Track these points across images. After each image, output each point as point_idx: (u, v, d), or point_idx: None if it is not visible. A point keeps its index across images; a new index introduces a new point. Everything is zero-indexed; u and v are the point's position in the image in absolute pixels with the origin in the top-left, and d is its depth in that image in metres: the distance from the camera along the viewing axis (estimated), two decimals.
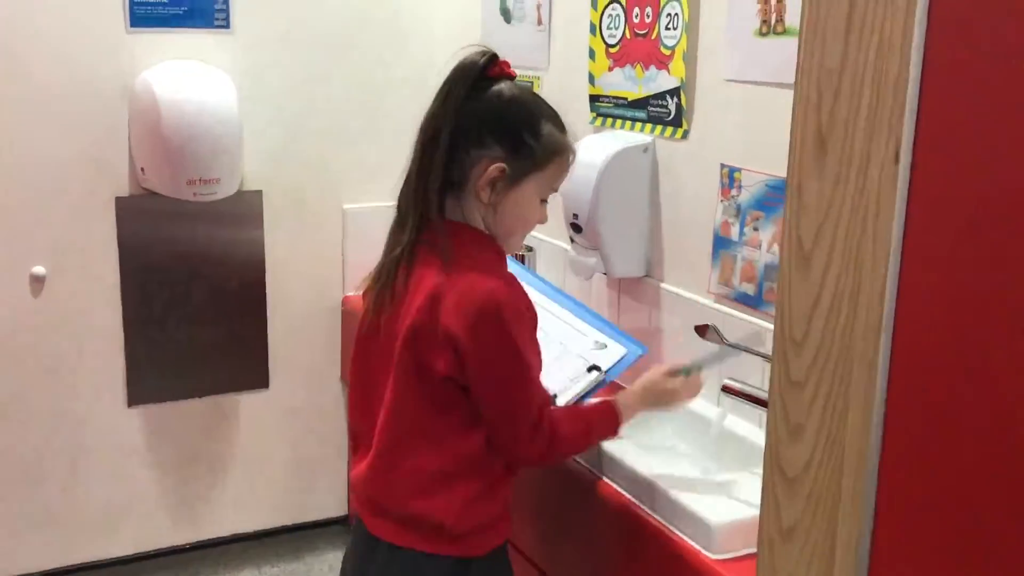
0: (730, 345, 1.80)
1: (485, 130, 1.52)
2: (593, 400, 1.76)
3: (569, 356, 1.89)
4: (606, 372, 1.85)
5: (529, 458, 1.57)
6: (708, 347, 1.83)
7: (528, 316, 1.52)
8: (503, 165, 1.52)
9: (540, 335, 1.57)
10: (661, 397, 1.72)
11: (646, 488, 1.68)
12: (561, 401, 1.80)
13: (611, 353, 1.89)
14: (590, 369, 1.85)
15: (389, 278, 1.56)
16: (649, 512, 1.66)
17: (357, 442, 1.66)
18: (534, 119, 1.55)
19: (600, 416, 1.65)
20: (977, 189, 0.75)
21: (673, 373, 1.73)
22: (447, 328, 1.46)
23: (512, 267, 1.63)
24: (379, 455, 1.55)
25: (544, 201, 1.60)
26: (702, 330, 1.87)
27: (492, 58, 1.55)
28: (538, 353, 1.55)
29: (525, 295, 1.54)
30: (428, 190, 1.52)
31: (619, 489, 1.75)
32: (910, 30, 0.81)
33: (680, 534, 1.59)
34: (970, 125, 0.76)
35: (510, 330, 1.48)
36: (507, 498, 1.60)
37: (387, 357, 1.55)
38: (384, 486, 1.55)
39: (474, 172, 1.53)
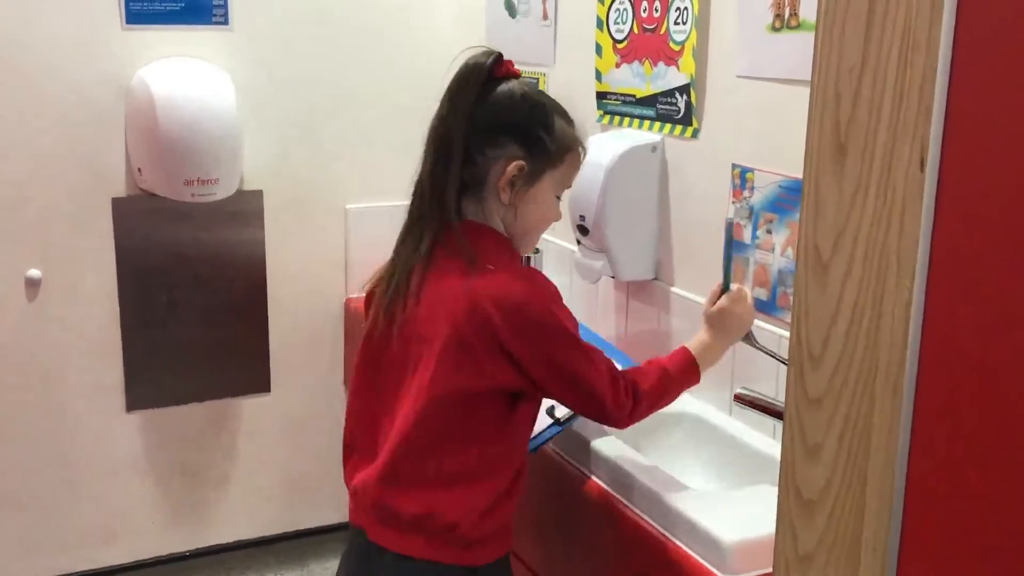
0: (757, 346, 1.77)
1: (500, 130, 1.53)
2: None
3: None
4: None
5: (622, 419, 1.57)
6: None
7: (559, 297, 1.53)
8: (522, 163, 1.52)
9: None
10: (732, 327, 1.72)
11: (654, 501, 1.63)
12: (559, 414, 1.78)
13: None
14: None
15: (402, 285, 1.54)
16: (658, 528, 1.62)
17: (353, 450, 1.64)
18: (546, 115, 1.56)
19: (678, 367, 1.65)
20: (1011, 196, 0.71)
21: (715, 298, 1.74)
22: (496, 334, 1.45)
23: None
24: (393, 459, 1.52)
25: (559, 198, 1.61)
26: None
27: (498, 58, 1.55)
28: (576, 326, 1.55)
29: (550, 282, 1.55)
30: (445, 194, 1.52)
31: (625, 502, 1.70)
32: (937, 23, 0.77)
33: (691, 552, 1.54)
34: (1003, 127, 0.72)
35: (554, 320, 1.49)
36: (513, 507, 1.58)
37: (403, 365, 1.53)
38: (397, 487, 1.52)
39: (492, 173, 1.53)
